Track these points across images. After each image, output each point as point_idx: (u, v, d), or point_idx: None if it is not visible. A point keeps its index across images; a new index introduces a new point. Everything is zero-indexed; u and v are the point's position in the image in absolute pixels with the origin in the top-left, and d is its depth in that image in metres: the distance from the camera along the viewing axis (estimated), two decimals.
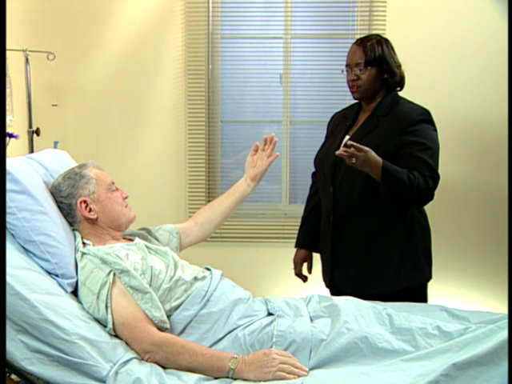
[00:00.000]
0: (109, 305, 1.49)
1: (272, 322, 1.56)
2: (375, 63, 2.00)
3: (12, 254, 1.50)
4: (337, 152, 1.82)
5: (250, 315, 1.60)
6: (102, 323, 1.50)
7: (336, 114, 2.29)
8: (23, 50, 2.85)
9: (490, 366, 1.22)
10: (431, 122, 2.01)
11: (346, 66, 2.06)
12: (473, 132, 3.21)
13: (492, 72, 3.13)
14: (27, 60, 2.88)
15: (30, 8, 3.14)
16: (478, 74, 3.16)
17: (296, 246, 2.28)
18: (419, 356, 1.42)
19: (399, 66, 2.07)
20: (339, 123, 2.18)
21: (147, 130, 3.33)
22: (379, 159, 1.84)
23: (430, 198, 1.95)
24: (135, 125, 3.32)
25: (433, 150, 1.95)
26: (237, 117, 3.38)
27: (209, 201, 3.39)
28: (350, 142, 1.80)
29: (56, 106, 3.06)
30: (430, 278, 2.12)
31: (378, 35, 2.08)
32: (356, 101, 2.15)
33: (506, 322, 1.32)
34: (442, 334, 1.49)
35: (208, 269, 1.77)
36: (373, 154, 1.83)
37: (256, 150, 1.96)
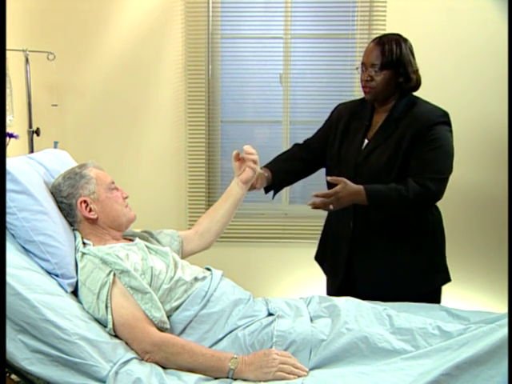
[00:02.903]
0: (109, 305, 1.49)
1: (272, 322, 1.56)
2: (391, 66, 1.93)
3: (12, 254, 1.50)
4: (308, 203, 1.82)
5: (250, 315, 1.60)
6: (102, 323, 1.50)
7: (341, 105, 2.20)
8: (23, 50, 2.84)
9: (491, 366, 1.22)
10: (448, 124, 1.98)
11: (362, 64, 1.99)
12: (473, 132, 3.21)
13: (492, 72, 3.13)
14: (27, 60, 2.88)
15: (30, 8, 3.14)
16: (479, 74, 3.16)
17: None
18: (419, 355, 1.42)
19: (416, 71, 1.99)
20: (350, 121, 2.10)
21: (147, 130, 3.33)
22: (358, 188, 1.84)
23: (434, 198, 1.94)
24: (135, 125, 3.32)
25: (443, 149, 1.92)
26: (237, 117, 3.38)
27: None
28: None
29: (56, 105, 3.06)
30: (449, 277, 2.10)
31: (398, 35, 2.00)
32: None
33: (505, 320, 1.32)
34: (442, 334, 1.49)
35: (208, 269, 1.77)
36: (348, 188, 1.82)
37: (237, 159, 1.91)
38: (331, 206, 1.82)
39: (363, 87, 2.00)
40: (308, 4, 3.26)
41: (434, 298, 2.05)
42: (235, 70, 3.33)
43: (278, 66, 3.29)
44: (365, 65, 1.98)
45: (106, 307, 1.49)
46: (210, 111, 3.35)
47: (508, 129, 2.95)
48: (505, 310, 1.52)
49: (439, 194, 1.92)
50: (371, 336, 1.48)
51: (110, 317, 1.48)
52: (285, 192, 3.34)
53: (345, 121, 2.11)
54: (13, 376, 1.61)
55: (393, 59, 1.93)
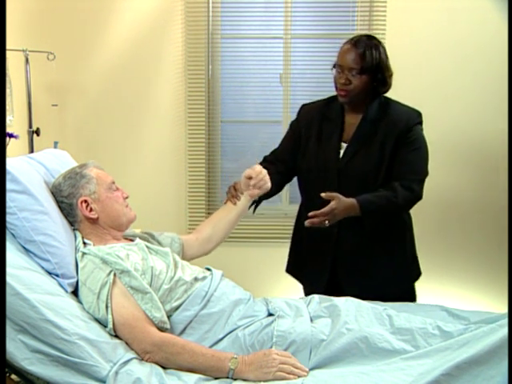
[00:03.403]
0: (109, 305, 1.49)
1: (272, 322, 1.56)
2: (370, 71, 1.92)
3: (12, 253, 1.50)
4: (306, 224, 1.82)
5: (250, 316, 1.60)
6: (103, 323, 1.50)
7: (305, 106, 2.15)
8: (23, 50, 2.84)
9: (491, 366, 1.22)
10: (421, 123, 2.02)
11: (338, 65, 1.95)
12: (473, 132, 3.21)
13: (492, 72, 3.14)
14: (27, 60, 2.88)
15: (30, 8, 3.14)
16: (479, 74, 3.16)
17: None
18: (419, 355, 1.42)
19: (391, 75, 1.99)
20: (321, 124, 2.06)
21: (147, 130, 3.33)
22: (352, 202, 1.85)
23: (418, 200, 1.97)
24: (135, 125, 3.32)
25: (422, 150, 1.98)
26: (237, 117, 3.38)
27: (209, 201, 3.40)
28: (311, 213, 1.81)
29: (56, 106, 3.06)
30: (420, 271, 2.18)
31: (373, 37, 1.98)
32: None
33: (506, 320, 1.32)
34: (442, 334, 1.49)
35: (208, 269, 1.77)
36: (342, 202, 1.83)
37: (249, 178, 1.90)
38: (327, 222, 1.83)
39: (339, 90, 1.96)
40: (308, 4, 3.26)
41: (412, 294, 2.15)
42: (235, 70, 3.33)
43: (277, 66, 3.29)
44: (341, 67, 1.93)
45: (107, 307, 1.49)
46: (210, 111, 3.35)
47: (508, 129, 2.95)
48: (505, 310, 1.52)
49: (421, 195, 1.97)
50: (371, 336, 1.48)
51: (110, 317, 1.48)
52: (285, 192, 3.34)
53: (316, 124, 2.06)
54: (13, 376, 1.61)
55: (372, 64, 1.91)
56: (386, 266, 2.04)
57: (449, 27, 3.13)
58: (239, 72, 3.33)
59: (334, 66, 2.01)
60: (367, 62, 1.90)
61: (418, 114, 2.00)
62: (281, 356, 1.43)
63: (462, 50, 3.15)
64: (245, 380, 1.41)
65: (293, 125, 2.16)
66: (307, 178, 2.09)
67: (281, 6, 3.24)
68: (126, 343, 1.47)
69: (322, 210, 1.81)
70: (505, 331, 1.26)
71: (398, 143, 1.95)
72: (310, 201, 2.10)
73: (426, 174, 1.99)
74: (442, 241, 3.27)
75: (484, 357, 1.23)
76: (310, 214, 1.82)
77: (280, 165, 2.12)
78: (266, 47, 3.29)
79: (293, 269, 2.24)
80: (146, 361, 1.44)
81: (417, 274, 2.16)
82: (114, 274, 1.52)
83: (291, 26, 3.25)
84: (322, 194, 1.84)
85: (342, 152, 2.01)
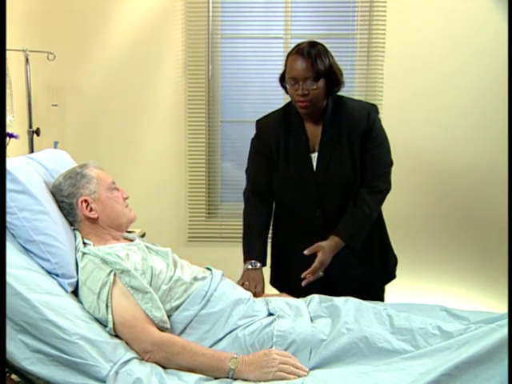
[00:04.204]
0: (109, 305, 1.49)
1: (272, 322, 1.56)
2: (324, 75, 1.87)
3: (12, 253, 1.50)
4: (304, 285, 1.84)
5: (250, 315, 1.60)
6: (103, 323, 1.50)
7: (261, 121, 2.09)
8: (23, 50, 2.85)
9: (491, 365, 1.22)
10: (378, 113, 2.02)
11: (291, 79, 1.88)
12: (473, 132, 3.21)
13: (492, 72, 3.14)
14: (27, 60, 2.88)
15: (30, 8, 3.14)
16: (479, 74, 3.16)
17: (261, 264, 2.03)
18: (419, 354, 1.42)
19: (342, 74, 1.95)
20: (287, 138, 2.00)
21: (147, 130, 3.33)
22: (335, 242, 1.89)
23: (388, 192, 2.01)
24: (135, 125, 3.32)
25: (384, 144, 2.00)
26: (237, 117, 3.38)
27: (209, 201, 3.41)
28: (305, 281, 1.83)
29: (56, 106, 3.07)
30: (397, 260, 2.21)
31: (315, 42, 1.93)
32: (275, 106, 2.09)
33: (506, 320, 1.32)
34: (442, 334, 1.49)
35: (209, 268, 1.77)
36: (327, 249, 1.86)
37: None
38: (321, 273, 1.87)
39: (299, 102, 1.90)
40: (308, 4, 3.26)
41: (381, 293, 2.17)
42: (235, 70, 3.33)
43: (277, 66, 3.27)
44: (295, 79, 1.88)
45: (107, 307, 1.49)
46: (210, 111, 3.35)
47: (508, 129, 2.95)
48: (505, 309, 1.52)
49: (390, 188, 2.01)
50: (371, 336, 1.48)
51: (110, 316, 1.48)
52: None
53: (282, 139, 2.00)
54: (13, 376, 1.61)
55: (325, 68, 1.87)
56: (372, 262, 2.07)
57: (449, 27, 3.13)
58: (239, 72, 3.33)
59: (281, 82, 1.98)
60: (319, 67, 1.86)
61: (375, 107, 2.00)
62: (281, 356, 1.43)
63: (461, 50, 3.15)
64: (245, 380, 1.41)
65: (255, 144, 2.08)
66: (285, 192, 2.04)
67: (281, 6, 3.24)
68: (127, 343, 1.47)
69: (313, 268, 1.84)
70: (505, 331, 1.26)
71: (364, 141, 1.95)
72: (288, 215, 2.09)
73: (391, 164, 2.02)
74: (441, 241, 3.27)
75: (484, 357, 1.23)
76: (304, 282, 1.84)
77: (268, 199, 2.09)
78: (266, 47, 3.29)
79: (276, 282, 2.22)
80: (147, 360, 1.44)
81: (395, 259, 2.18)
82: (114, 274, 1.52)
83: (291, 26, 3.25)
84: (306, 252, 1.86)
85: (314, 163, 1.97)
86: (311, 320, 1.61)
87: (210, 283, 1.64)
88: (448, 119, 3.20)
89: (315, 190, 1.98)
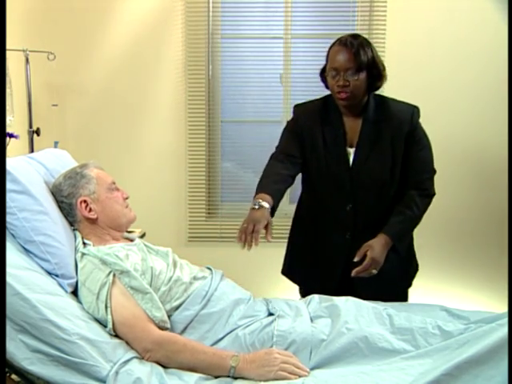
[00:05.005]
0: (108, 305, 1.49)
1: (272, 322, 1.56)
2: (366, 68, 1.86)
3: (12, 254, 1.50)
4: (353, 273, 1.81)
5: (250, 315, 1.60)
6: (102, 323, 1.50)
7: (300, 108, 2.06)
8: (23, 50, 2.85)
9: (491, 365, 1.22)
10: (419, 116, 2.01)
11: (333, 69, 1.88)
12: (473, 132, 3.21)
13: (492, 72, 3.13)
14: (27, 60, 2.88)
15: (30, 8, 3.14)
16: (479, 73, 3.16)
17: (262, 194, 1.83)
18: (419, 354, 1.42)
19: (385, 69, 1.94)
20: (323, 129, 1.97)
21: (147, 130, 3.33)
22: (385, 241, 1.86)
23: (433, 198, 2.00)
24: (135, 125, 3.32)
25: (428, 147, 1.99)
26: (237, 117, 3.38)
27: (209, 201, 3.40)
28: (355, 273, 1.80)
29: (56, 106, 3.07)
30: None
31: (359, 36, 1.92)
32: (315, 97, 2.05)
33: (505, 319, 1.32)
34: (442, 334, 1.49)
35: (209, 268, 1.77)
36: (376, 247, 1.83)
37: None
38: (374, 271, 1.83)
39: (339, 93, 1.89)
40: (308, 4, 3.26)
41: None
42: (235, 70, 3.33)
43: (278, 66, 3.28)
44: (337, 69, 1.87)
45: (106, 307, 1.49)
46: (210, 111, 3.35)
47: (508, 129, 2.95)
48: (505, 309, 1.52)
49: (434, 194, 2.00)
50: (371, 336, 1.48)
51: (109, 317, 1.48)
52: None
53: (319, 129, 1.98)
54: (13, 376, 1.61)
55: (368, 60, 1.86)
56: (394, 263, 1.98)
57: (449, 27, 3.13)
58: (239, 72, 3.33)
59: (323, 73, 1.97)
60: (362, 58, 1.85)
61: (418, 109, 1.99)
62: (282, 355, 1.43)
63: (461, 50, 3.15)
64: (245, 379, 1.41)
65: (291, 125, 2.06)
66: (318, 181, 2.02)
67: (281, 6, 3.24)
68: (127, 343, 1.47)
69: (364, 265, 1.81)
70: (505, 331, 1.26)
71: (407, 143, 1.94)
72: (318, 203, 2.05)
73: (434, 171, 2.00)
74: (442, 240, 3.27)
75: (484, 356, 1.23)
76: (354, 273, 1.81)
77: (293, 167, 1.99)
78: (266, 47, 3.29)
79: (293, 272, 2.19)
80: (147, 360, 1.44)
81: (416, 267, 2.16)
82: (114, 275, 1.52)
83: (291, 26, 3.25)
84: (355, 259, 1.82)
85: (351, 158, 1.96)
86: (311, 320, 1.61)
87: (210, 283, 1.64)
88: (448, 118, 3.20)
89: (349, 185, 1.95)
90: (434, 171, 2.01)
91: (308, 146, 1.99)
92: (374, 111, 1.96)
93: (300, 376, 1.40)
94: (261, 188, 1.87)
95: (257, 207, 1.76)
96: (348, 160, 1.96)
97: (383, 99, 2.00)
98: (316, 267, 2.07)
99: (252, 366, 1.41)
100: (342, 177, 1.96)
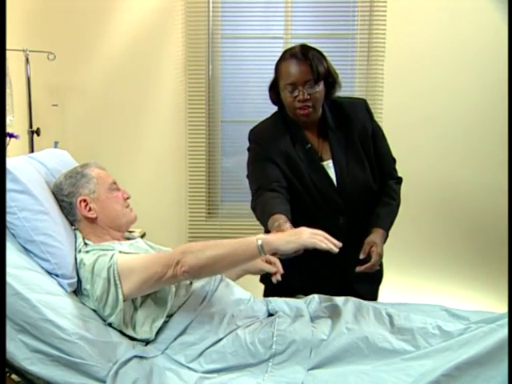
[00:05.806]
0: (117, 282, 1.47)
1: (272, 322, 1.56)
2: (323, 78, 1.80)
3: (12, 253, 1.50)
4: (357, 269, 1.80)
5: (250, 316, 1.60)
6: (114, 305, 1.48)
7: (255, 131, 1.96)
8: (23, 50, 2.85)
9: (491, 366, 1.22)
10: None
11: (288, 85, 1.79)
12: (473, 131, 3.21)
13: (493, 72, 3.14)
14: (27, 60, 2.88)
15: (30, 8, 3.14)
16: (479, 74, 3.16)
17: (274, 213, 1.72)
18: (419, 355, 1.41)
19: (338, 76, 1.87)
20: (295, 147, 1.88)
21: (147, 130, 3.33)
22: (381, 233, 1.87)
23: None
24: (135, 125, 3.32)
25: (383, 135, 2.00)
26: (237, 117, 3.38)
27: (209, 201, 3.40)
28: (362, 270, 1.79)
29: (56, 106, 3.07)
30: None
31: (309, 46, 1.86)
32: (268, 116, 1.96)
33: (505, 320, 1.32)
34: (442, 334, 1.49)
35: None
36: (379, 242, 1.84)
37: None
38: (377, 266, 1.85)
39: (300, 109, 1.80)
40: (308, 4, 3.26)
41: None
42: (235, 70, 3.33)
43: None
44: (294, 84, 1.78)
45: (116, 284, 1.48)
46: (210, 111, 3.35)
47: (508, 129, 2.95)
48: (505, 309, 1.52)
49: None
50: (371, 336, 1.48)
51: (120, 290, 1.47)
52: None
53: (289, 147, 1.87)
54: (13, 376, 1.61)
55: (325, 69, 1.80)
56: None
57: (449, 27, 3.13)
58: (239, 72, 3.33)
59: (271, 92, 1.91)
60: (319, 69, 1.78)
61: (365, 101, 1.99)
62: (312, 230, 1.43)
63: (461, 50, 3.15)
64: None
65: (257, 153, 1.92)
66: (306, 200, 1.90)
67: (281, 6, 3.24)
68: (130, 338, 1.48)
69: (373, 262, 1.80)
70: (505, 331, 1.26)
71: (373, 139, 1.95)
72: (314, 221, 1.73)
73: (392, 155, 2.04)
74: (442, 241, 3.27)
75: (484, 357, 1.23)
76: (361, 270, 1.80)
77: (278, 187, 1.85)
78: (265, 47, 3.29)
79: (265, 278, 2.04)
80: (182, 273, 1.42)
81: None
82: (116, 255, 1.53)
83: (291, 26, 3.25)
84: (361, 256, 1.80)
85: (330, 172, 1.89)
86: (311, 320, 1.61)
87: (210, 283, 1.64)
88: (448, 119, 3.20)
89: (335, 197, 1.89)
90: (394, 160, 2.03)
91: (284, 166, 1.86)
92: (332, 118, 1.91)
93: (330, 248, 1.39)
94: (271, 211, 1.74)
95: (276, 224, 1.63)
96: (328, 175, 1.89)
97: (333, 102, 1.93)
98: (312, 274, 1.97)
99: (280, 236, 1.41)
100: (328, 190, 1.88)
